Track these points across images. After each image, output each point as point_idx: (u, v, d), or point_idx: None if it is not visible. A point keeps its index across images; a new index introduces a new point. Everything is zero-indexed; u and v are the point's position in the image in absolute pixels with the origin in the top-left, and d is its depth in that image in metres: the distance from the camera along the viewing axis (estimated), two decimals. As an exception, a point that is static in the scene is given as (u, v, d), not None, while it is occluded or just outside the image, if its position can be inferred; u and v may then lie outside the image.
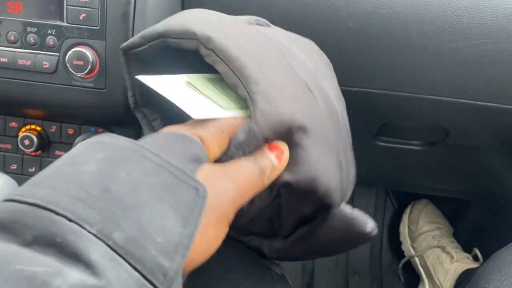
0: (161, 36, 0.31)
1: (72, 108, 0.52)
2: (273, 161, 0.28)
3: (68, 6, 0.48)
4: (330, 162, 0.32)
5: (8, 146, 0.59)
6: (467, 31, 0.46)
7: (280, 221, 0.38)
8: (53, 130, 0.58)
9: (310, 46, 0.38)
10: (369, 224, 0.34)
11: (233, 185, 0.26)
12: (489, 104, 0.49)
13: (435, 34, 0.46)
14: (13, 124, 0.58)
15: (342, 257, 1.02)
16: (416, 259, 0.93)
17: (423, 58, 0.47)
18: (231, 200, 0.26)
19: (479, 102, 0.50)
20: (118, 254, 0.19)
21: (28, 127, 0.58)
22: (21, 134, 0.57)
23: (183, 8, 0.50)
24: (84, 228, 0.19)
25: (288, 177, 0.30)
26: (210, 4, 0.49)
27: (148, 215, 0.20)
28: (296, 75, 0.32)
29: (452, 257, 0.86)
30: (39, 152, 0.59)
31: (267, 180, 0.28)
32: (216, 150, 0.28)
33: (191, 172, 0.24)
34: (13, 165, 0.60)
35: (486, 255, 0.66)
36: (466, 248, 0.88)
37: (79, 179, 0.21)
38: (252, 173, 0.27)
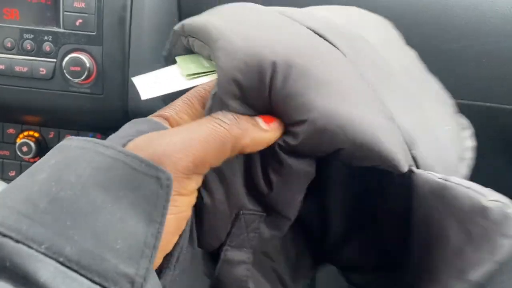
0: (168, 54, 0.32)
1: (69, 114, 0.52)
2: (257, 120, 0.24)
3: (65, 12, 0.47)
4: (360, 110, 0.24)
5: (6, 153, 0.59)
6: (465, 31, 0.45)
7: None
8: (51, 136, 0.58)
9: (347, 8, 0.33)
10: (487, 194, 0.21)
11: (169, 147, 0.21)
12: (489, 104, 0.49)
13: (434, 34, 0.46)
14: (11, 130, 0.58)
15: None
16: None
17: (422, 59, 0.47)
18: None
19: (478, 102, 0.49)
20: (73, 270, 0.18)
21: (26, 133, 0.58)
22: (19, 141, 0.57)
23: (179, 13, 0.50)
24: (32, 248, 0.17)
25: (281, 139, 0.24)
26: (209, 7, 0.49)
27: (103, 220, 0.19)
28: (295, 24, 0.26)
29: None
30: (37, 158, 0.58)
31: (245, 137, 0.23)
32: (188, 122, 0.25)
33: (121, 146, 0.21)
34: (12, 171, 0.59)
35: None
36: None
37: (28, 192, 0.19)
38: (208, 126, 0.22)
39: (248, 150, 0.24)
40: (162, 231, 0.20)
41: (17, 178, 0.20)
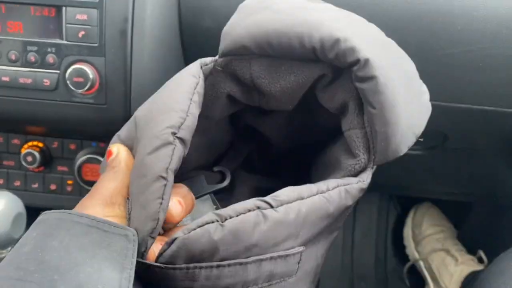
0: None
1: (73, 124, 0.52)
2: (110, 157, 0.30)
3: (67, 25, 0.48)
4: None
5: (11, 163, 0.60)
6: (462, 37, 0.46)
7: None
8: (55, 146, 0.59)
9: None
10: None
11: (88, 202, 0.28)
12: (486, 107, 0.50)
13: (431, 40, 0.47)
14: (16, 141, 0.59)
15: (347, 262, 1.02)
16: (421, 262, 0.92)
17: (420, 64, 0.48)
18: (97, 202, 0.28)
19: (476, 106, 0.50)
20: None
21: (30, 143, 0.58)
22: (23, 151, 0.57)
23: (180, 24, 0.51)
24: None
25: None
26: (209, 19, 0.49)
27: (84, 273, 0.23)
28: None
29: (456, 260, 0.85)
30: (42, 168, 0.59)
31: (114, 168, 0.30)
32: None
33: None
34: (17, 181, 0.60)
35: (491, 257, 0.66)
36: (471, 250, 0.88)
37: (17, 262, 0.23)
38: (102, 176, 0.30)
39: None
40: (133, 274, 0.24)
41: (6, 256, 0.24)
